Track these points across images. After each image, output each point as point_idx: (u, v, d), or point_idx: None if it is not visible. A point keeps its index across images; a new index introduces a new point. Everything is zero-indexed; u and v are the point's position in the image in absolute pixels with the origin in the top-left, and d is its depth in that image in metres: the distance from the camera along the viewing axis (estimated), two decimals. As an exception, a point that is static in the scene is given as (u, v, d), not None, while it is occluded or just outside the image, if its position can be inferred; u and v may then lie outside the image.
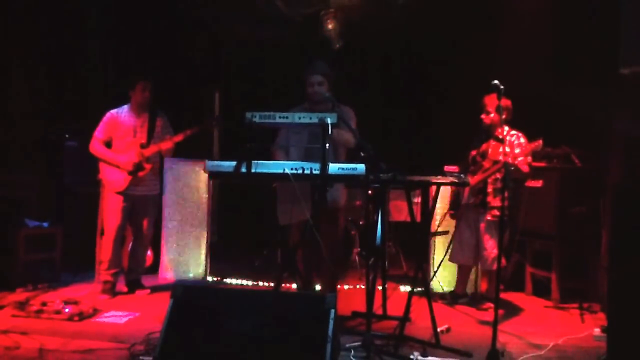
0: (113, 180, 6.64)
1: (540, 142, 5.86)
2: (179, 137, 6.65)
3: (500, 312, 5.97)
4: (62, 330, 5.32)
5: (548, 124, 6.97)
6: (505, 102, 6.24)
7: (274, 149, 5.89)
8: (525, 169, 6.11)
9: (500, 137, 6.16)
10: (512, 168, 5.82)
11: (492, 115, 6.29)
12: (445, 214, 6.55)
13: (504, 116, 6.24)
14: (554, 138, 6.92)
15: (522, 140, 6.23)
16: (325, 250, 5.17)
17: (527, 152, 5.99)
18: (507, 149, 6.11)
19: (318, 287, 5.87)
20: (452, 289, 6.96)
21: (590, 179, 6.79)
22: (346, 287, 7.35)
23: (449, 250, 6.56)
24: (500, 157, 6.07)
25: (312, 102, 5.80)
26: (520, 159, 6.07)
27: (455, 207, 6.59)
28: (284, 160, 5.44)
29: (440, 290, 7.01)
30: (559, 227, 6.83)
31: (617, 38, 5.36)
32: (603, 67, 6.25)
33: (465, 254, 6.57)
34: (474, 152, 6.52)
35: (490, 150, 6.33)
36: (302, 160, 4.96)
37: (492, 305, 6.32)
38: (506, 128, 6.34)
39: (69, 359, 4.66)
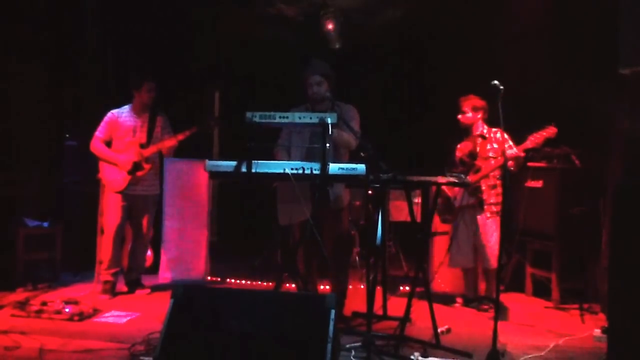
0: (112, 179, 6.66)
1: (554, 128, 5.89)
2: (180, 137, 6.66)
3: (501, 312, 6.00)
4: (62, 330, 5.32)
5: (548, 124, 6.96)
6: (481, 103, 6.34)
7: (275, 150, 5.90)
8: (523, 154, 6.17)
9: (485, 135, 6.23)
10: (510, 162, 5.87)
11: (469, 115, 6.45)
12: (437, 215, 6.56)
13: (479, 114, 6.35)
14: (554, 138, 6.92)
15: (507, 136, 6.23)
16: (330, 250, 5.18)
17: (540, 139, 6.03)
18: (496, 145, 6.17)
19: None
20: (452, 290, 6.97)
21: (590, 179, 6.79)
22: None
23: (449, 256, 6.58)
24: (490, 154, 6.13)
25: (313, 102, 5.81)
26: (508, 152, 6.10)
27: (448, 212, 6.57)
28: (285, 161, 5.45)
29: (440, 291, 7.00)
30: (558, 227, 6.82)
31: (617, 37, 5.35)
32: (603, 67, 6.24)
33: (465, 257, 6.53)
34: (459, 154, 6.52)
35: (478, 149, 6.34)
36: (304, 161, 4.96)
37: (492, 305, 6.32)
38: (485, 126, 6.41)
39: (69, 359, 4.66)
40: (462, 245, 6.53)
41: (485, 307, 6.46)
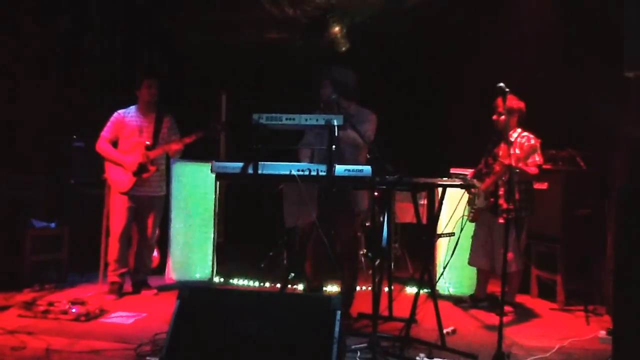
0: (118, 180, 6.68)
1: (537, 143, 5.82)
2: (186, 140, 6.67)
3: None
4: (69, 331, 5.34)
5: (553, 126, 6.97)
6: (518, 104, 6.24)
7: (299, 147, 5.91)
8: (532, 171, 6.06)
9: (511, 139, 6.16)
10: (517, 170, 5.82)
11: (503, 117, 6.20)
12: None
13: (515, 118, 6.26)
14: (559, 140, 6.93)
15: (533, 142, 6.20)
16: (340, 249, 5.19)
17: (526, 154, 5.95)
18: (517, 151, 6.11)
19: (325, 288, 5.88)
20: (459, 291, 6.97)
21: (595, 181, 6.78)
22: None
23: (469, 254, 6.60)
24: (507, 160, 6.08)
25: (320, 104, 5.85)
26: (529, 160, 6.06)
27: (471, 211, 6.57)
28: (308, 160, 5.49)
29: (447, 292, 7.01)
30: (564, 229, 6.82)
31: (623, 40, 5.36)
32: (609, 70, 6.24)
33: (482, 258, 6.54)
34: (487, 156, 6.46)
35: (501, 153, 6.29)
36: (323, 163, 4.92)
37: (511, 309, 6.33)
38: (518, 130, 6.33)
39: (76, 359, 4.69)
40: (480, 246, 6.54)
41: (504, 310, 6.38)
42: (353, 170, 4.72)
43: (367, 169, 4.71)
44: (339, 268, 5.72)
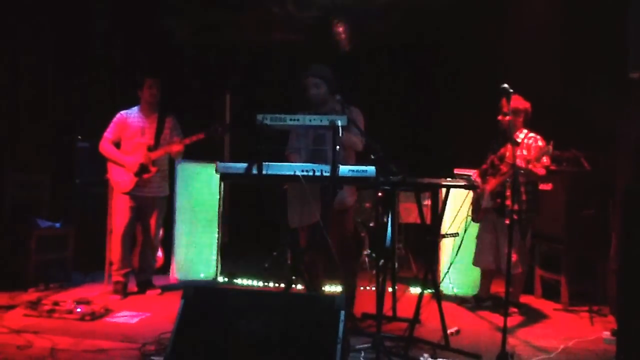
0: (120, 180, 6.70)
1: (550, 146, 5.82)
2: (187, 141, 6.68)
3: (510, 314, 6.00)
4: (74, 330, 5.36)
5: (557, 127, 6.96)
6: (524, 105, 6.22)
7: (287, 153, 5.88)
8: (540, 172, 6.02)
9: (518, 140, 6.15)
10: (522, 171, 5.81)
11: (507, 117, 6.12)
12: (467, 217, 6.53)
13: (520, 118, 6.25)
14: (564, 141, 6.92)
15: (540, 143, 6.17)
16: (335, 251, 5.19)
17: (537, 155, 5.93)
18: (525, 152, 6.09)
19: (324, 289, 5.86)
20: (462, 291, 6.98)
21: (600, 182, 6.77)
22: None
23: (474, 254, 6.60)
24: (517, 161, 6.06)
25: (313, 105, 5.78)
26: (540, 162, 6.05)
27: (475, 212, 6.56)
28: (298, 163, 5.47)
29: (451, 293, 7.01)
30: (568, 230, 6.81)
31: (626, 41, 5.35)
32: (612, 70, 6.24)
33: (486, 258, 6.53)
34: (492, 156, 6.46)
35: (507, 153, 6.26)
36: (309, 163, 4.94)
37: (516, 310, 6.33)
38: (524, 130, 6.32)
39: (81, 359, 4.69)
40: (485, 247, 6.53)
41: (509, 311, 6.36)
42: (357, 171, 4.72)
43: (371, 169, 4.70)
44: (339, 268, 5.71)
